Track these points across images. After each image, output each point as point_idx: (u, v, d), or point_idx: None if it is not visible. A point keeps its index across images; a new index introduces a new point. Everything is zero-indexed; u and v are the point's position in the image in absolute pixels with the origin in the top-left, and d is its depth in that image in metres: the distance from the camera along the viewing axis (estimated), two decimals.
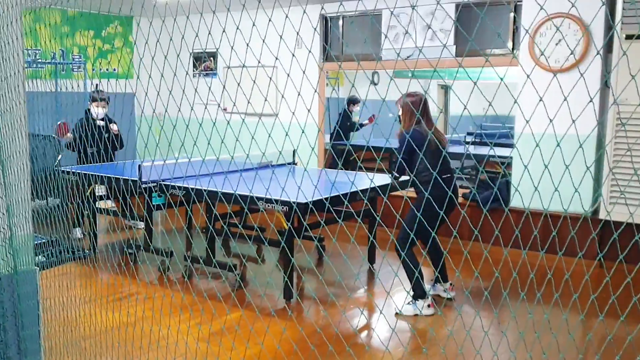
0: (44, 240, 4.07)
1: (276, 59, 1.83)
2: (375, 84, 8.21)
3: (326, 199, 4.10)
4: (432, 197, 1.88)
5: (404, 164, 4.09)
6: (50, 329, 3.05)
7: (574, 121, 1.69)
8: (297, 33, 1.91)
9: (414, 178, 4.20)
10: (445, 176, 4.15)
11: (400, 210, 2.23)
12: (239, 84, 1.93)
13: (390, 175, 4.65)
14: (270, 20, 1.85)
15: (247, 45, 1.88)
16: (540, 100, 1.69)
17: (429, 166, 3.97)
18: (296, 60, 1.74)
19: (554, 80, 1.58)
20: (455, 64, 5.60)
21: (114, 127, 6.23)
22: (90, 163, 5.68)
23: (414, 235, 3.90)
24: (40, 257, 4.21)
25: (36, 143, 4.09)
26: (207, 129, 2.07)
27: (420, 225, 3.85)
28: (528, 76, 1.80)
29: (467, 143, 7.81)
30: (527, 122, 1.56)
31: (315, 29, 6.92)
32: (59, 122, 5.97)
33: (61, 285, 3.30)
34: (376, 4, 6.15)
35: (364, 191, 4.44)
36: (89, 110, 6.19)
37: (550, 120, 1.72)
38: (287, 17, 1.82)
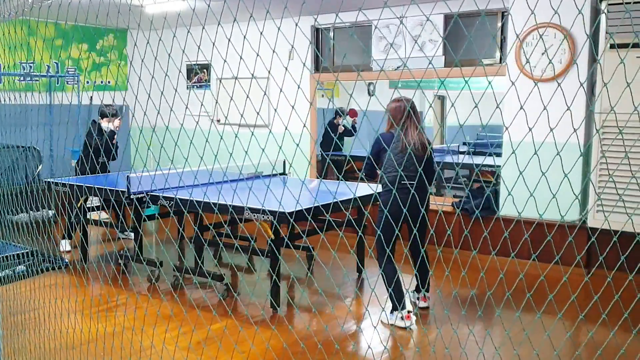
0: (26, 250, 4.07)
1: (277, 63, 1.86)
2: (371, 95, 8.23)
3: (312, 208, 4.10)
4: (389, 200, 1.82)
5: (372, 162, 4.11)
6: (10, 334, 3.06)
7: (551, 130, 1.73)
8: (292, 46, 1.95)
9: (382, 177, 4.07)
10: (409, 182, 3.85)
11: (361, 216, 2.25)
12: (231, 98, 1.96)
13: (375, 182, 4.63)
14: (261, 33, 1.89)
15: (240, 57, 1.91)
16: (520, 109, 1.72)
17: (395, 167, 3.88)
18: (289, 72, 1.78)
19: (542, 89, 1.62)
20: (444, 74, 5.65)
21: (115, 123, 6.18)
22: (102, 172, 5.82)
23: (387, 240, 3.88)
24: (21, 267, 4.22)
25: (17, 154, 4.13)
26: (200, 140, 2.10)
27: (386, 230, 3.86)
28: (513, 83, 1.83)
29: (461, 153, 7.84)
30: (506, 128, 1.60)
31: (310, 42, 6.98)
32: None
33: (44, 295, 3.33)
34: (380, 15, 6.21)
35: (349, 201, 4.45)
36: (96, 122, 6.16)
37: (530, 129, 1.75)
38: (279, 28, 1.86)
